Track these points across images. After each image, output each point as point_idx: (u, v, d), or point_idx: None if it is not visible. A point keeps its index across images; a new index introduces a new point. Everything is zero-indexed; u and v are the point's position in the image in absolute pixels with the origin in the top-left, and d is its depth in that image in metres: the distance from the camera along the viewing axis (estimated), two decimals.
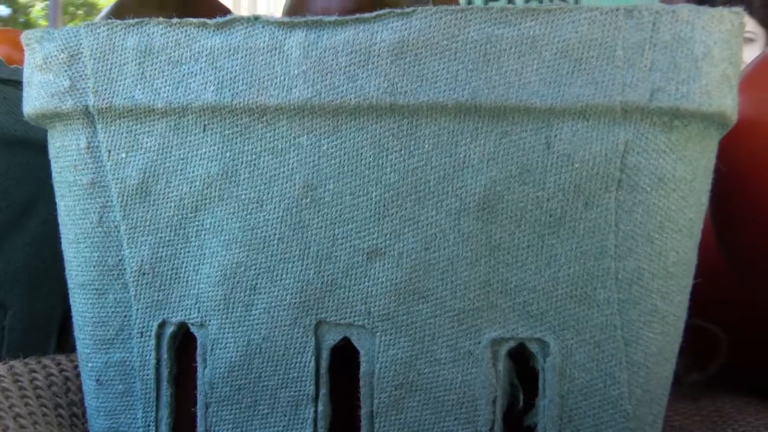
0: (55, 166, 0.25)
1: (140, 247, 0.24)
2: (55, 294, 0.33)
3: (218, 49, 0.23)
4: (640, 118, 0.21)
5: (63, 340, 0.34)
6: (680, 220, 0.22)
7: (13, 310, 0.32)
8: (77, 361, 0.29)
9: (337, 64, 0.22)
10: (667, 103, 0.21)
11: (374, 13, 0.22)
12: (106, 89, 0.24)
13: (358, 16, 0.22)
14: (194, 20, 0.23)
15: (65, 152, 0.25)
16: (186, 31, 0.23)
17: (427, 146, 0.22)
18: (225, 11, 0.28)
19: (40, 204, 0.31)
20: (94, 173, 0.24)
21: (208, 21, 0.23)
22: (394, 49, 0.22)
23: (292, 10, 0.26)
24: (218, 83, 0.23)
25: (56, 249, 0.29)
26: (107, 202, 0.24)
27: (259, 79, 0.23)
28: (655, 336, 0.22)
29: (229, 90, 0.23)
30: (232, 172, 0.23)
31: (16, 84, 0.29)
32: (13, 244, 0.31)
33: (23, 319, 0.32)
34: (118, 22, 0.24)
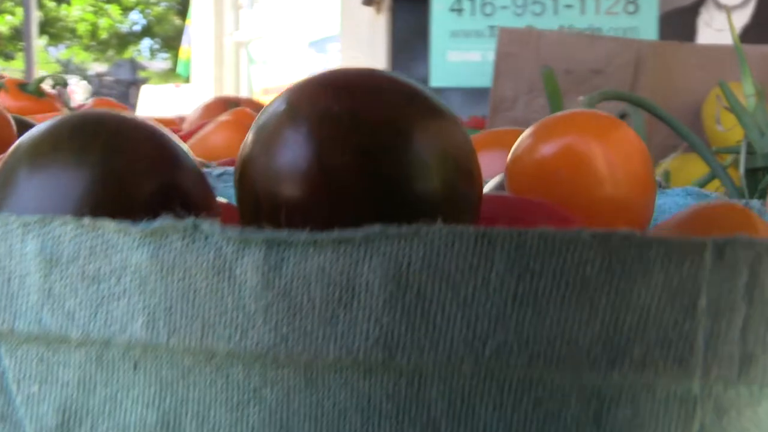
0: None
1: None
2: None
3: (146, 267, 0.17)
4: (723, 391, 0.16)
5: None
6: None
7: None
8: None
9: (309, 301, 0.16)
10: (760, 379, 0.15)
11: (360, 233, 0.16)
12: (5, 308, 0.18)
13: (338, 234, 0.16)
14: (112, 224, 0.17)
15: None
16: (102, 236, 0.17)
17: (434, 412, 0.16)
18: (168, 150, 0.21)
19: None
20: (2, 406, 0.19)
21: (131, 227, 0.17)
22: (388, 284, 0.16)
23: (243, 169, 0.19)
24: (149, 314, 0.17)
25: None
26: None
27: (202, 313, 0.17)
28: None
29: (164, 324, 0.17)
30: (175, 424, 0.18)
31: None
32: None
33: None
34: (14, 218, 0.17)
